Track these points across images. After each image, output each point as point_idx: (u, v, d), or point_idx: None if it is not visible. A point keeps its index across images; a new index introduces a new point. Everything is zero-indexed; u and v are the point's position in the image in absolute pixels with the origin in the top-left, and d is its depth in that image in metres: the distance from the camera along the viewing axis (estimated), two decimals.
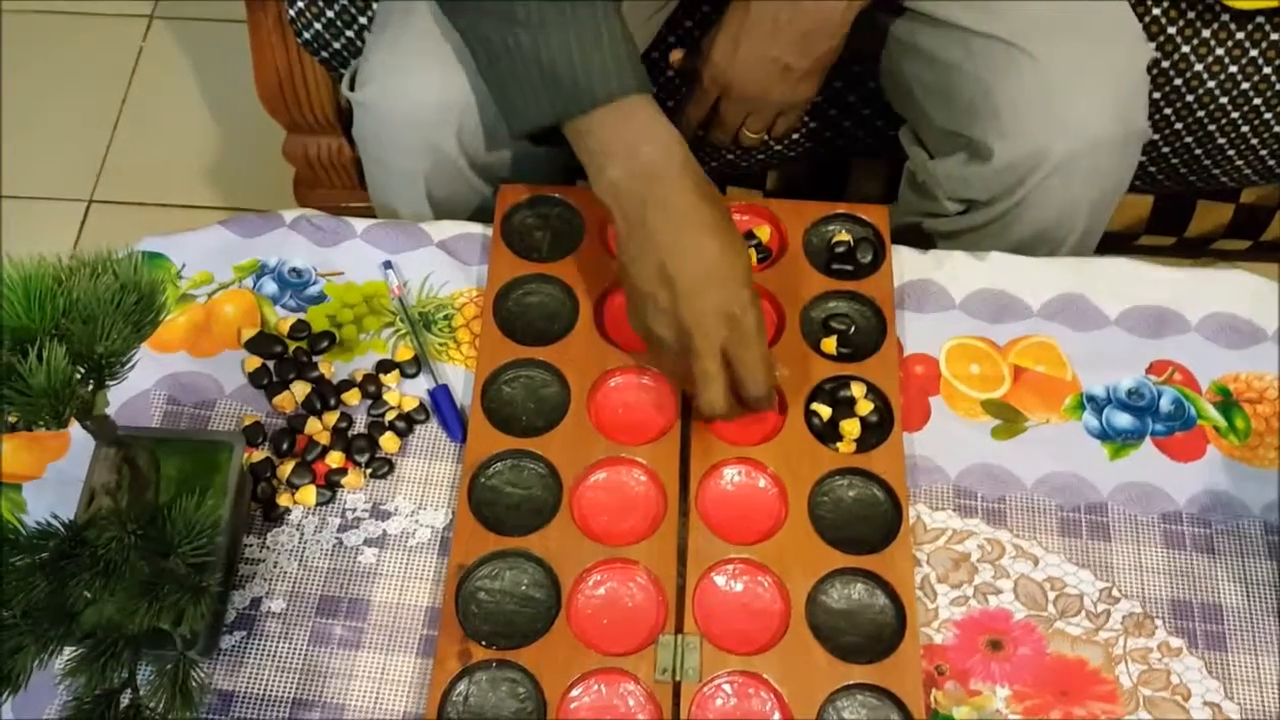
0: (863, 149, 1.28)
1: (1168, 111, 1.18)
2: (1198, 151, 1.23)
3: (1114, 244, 1.43)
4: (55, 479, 0.83)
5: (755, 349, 0.78)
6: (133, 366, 0.63)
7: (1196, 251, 1.46)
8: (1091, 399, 0.89)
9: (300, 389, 0.87)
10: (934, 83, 0.99)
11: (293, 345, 0.89)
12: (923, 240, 1.02)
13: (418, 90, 0.92)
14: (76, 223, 1.68)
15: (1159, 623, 0.81)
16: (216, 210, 1.66)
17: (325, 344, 0.89)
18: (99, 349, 0.60)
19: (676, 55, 1.00)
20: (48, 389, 0.57)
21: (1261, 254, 1.46)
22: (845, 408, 0.86)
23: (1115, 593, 0.82)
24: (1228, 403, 0.90)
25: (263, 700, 0.77)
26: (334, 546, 0.82)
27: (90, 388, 0.63)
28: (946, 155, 0.99)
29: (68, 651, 0.65)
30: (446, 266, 0.93)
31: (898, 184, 1.33)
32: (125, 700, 0.65)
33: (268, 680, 0.77)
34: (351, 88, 0.97)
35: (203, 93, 1.78)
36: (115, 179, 1.71)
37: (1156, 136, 1.20)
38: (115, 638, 0.65)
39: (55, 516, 0.64)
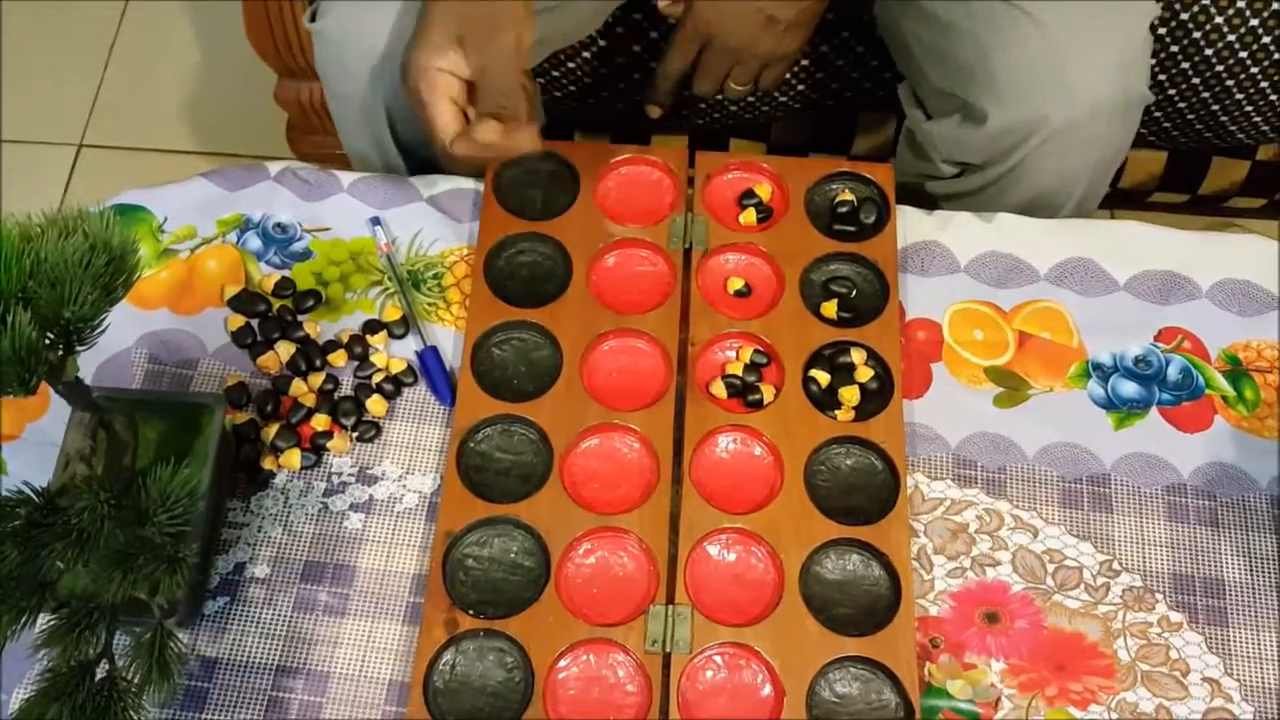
0: (869, 101, 1.25)
1: (1185, 66, 1.14)
2: (1214, 107, 1.20)
3: (1125, 201, 1.40)
4: (35, 439, 0.81)
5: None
6: (103, 331, 0.61)
7: (1209, 209, 1.43)
8: (1098, 366, 0.87)
9: (285, 349, 0.84)
10: (931, 41, 0.95)
11: (277, 304, 0.87)
12: (922, 202, 0.99)
13: (376, 19, 0.89)
14: (67, 167, 1.65)
15: (1159, 597, 0.79)
16: (210, 156, 1.63)
17: (311, 303, 0.87)
18: (66, 314, 0.58)
19: (664, 1, 0.97)
20: (13, 356, 0.55)
21: (1276, 212, 1.43)
22: (845, 374, 0.84)
23: (1116, 565, 0.80)
24: (1237, 372, 0.87)
25: (246, 667, 0.75)
26: (319, 511, 0.80)
27: (60, 353, 0.60)
28: (942, 116, 0.96)
29: (43, 621, 0.63)
30: (436, 223, 0.91)
31: None
32: (101, 671, 0.63)
33: (251, 647, 0.76)
34: (313, 20, 0.94)
35: (195, 36, 1.74)
36: (106, 123, 1.68)
37: (1173, 91, 1.17)
38: (90, 607, 0.63)
39: (26, 484, 0.63)
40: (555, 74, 1.20)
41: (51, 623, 0.63)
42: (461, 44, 0.77)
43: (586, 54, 1.17)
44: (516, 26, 0.77)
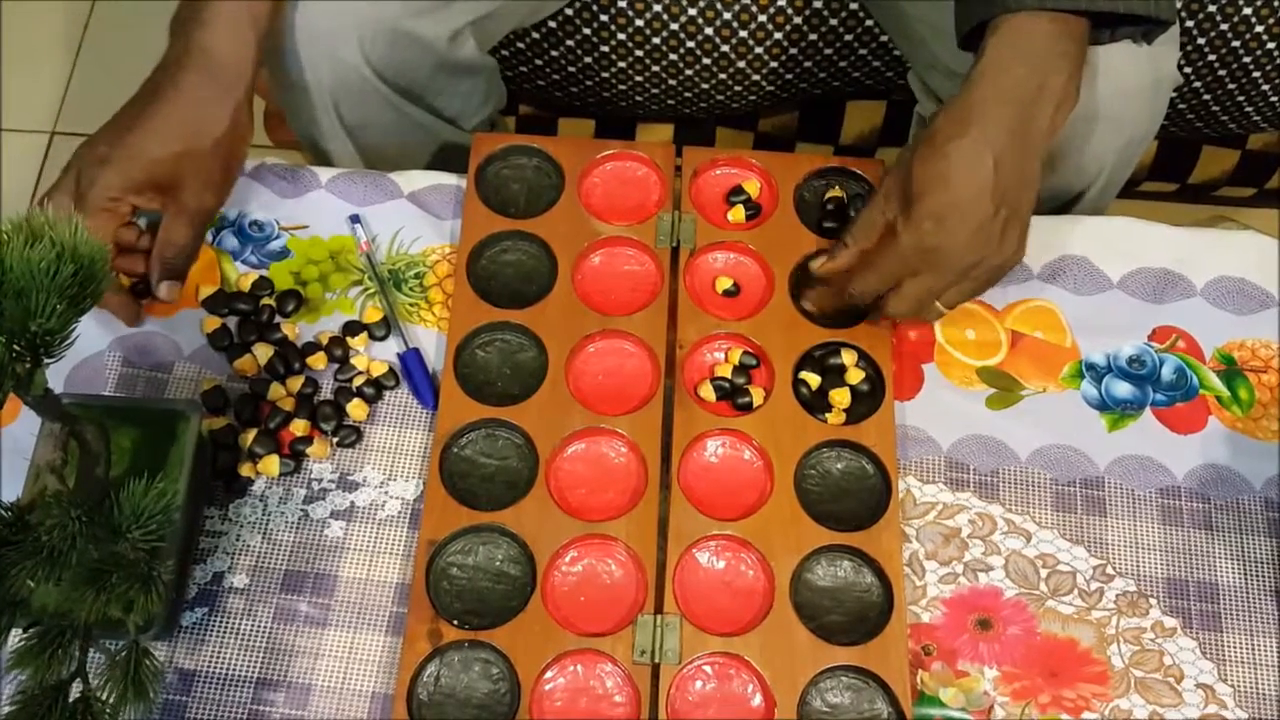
0: (857, 89, 1.23)
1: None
2: (1205, 96, 1.19)
3: None
4: (8, 446, 0.79)
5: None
6: (71, 343, 0.59)
7: (1199, 198, 1.42)
8: (1091, 367, 0.86)
9: (262, 352, 0.82)
10: (943, 23, 0.92)
11: (261, 302, 0.84)
12: None
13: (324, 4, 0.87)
14: (39, 156, 1.62)
15: (1153, 602, 0.78)
16: None
17: (293, 305, 0.84)
18: (33, 326, 0.56)
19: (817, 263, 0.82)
20: None
21: (1266, 201, 1.42)
22: (835, 376, 0.82)
23: (1109, 570, 0.79)
24: (1231, 371, 0.86)
25: (225, 680, 0.74)
26: (299, 519, 0.79)
27: (28, 365, 0.58)
28: None
29: (14, 641, 0.61)
30: (418, 221, 0.89)
31: (894, 126, 1.29)
32: (75, 691, 0.62)
33: (230, 659, 0.74)
34: None
35: (168, 21, 1.70)
36: (79, 110, 1.64)
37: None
38: (63, 626, 0.61)
39: None
40: (538, 62, 1.17)
41: (22, 642, 0.61)
42: (159, 191, 0.80)
43: (570, 42, 1.15)
44: (215, 191, 0.81)
